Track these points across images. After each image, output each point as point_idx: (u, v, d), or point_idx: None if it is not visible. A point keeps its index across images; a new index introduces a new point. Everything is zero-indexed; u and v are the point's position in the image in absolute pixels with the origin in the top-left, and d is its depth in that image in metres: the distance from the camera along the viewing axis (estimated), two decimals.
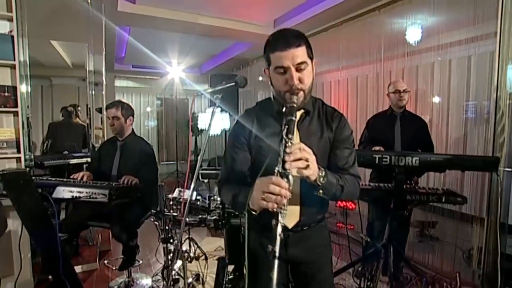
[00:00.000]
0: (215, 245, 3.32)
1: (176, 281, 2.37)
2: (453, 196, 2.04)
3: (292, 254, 1.14)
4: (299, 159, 0.88)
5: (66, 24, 2.49)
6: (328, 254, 1.24)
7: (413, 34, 3.08)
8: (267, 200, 0.87)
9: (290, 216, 1.09)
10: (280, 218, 0.86)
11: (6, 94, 2.30)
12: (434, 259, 2.93)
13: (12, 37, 2.29)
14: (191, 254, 2.09)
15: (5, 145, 2.33)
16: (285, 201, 0.86)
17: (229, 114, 4.56)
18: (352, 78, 4.57)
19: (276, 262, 0.81)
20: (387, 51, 3.13)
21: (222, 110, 4.43)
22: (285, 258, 1.14)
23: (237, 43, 5.01)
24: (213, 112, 1.33)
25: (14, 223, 2.39)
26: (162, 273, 2.53)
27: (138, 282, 2.54)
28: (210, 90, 1.42)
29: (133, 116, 2.35)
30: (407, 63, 3.06)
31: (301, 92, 1.05)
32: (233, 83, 1.28)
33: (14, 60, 2.26)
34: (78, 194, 1.87)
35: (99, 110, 3.06)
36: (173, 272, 2.48)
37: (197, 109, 7.28)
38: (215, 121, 4.27)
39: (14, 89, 2.32)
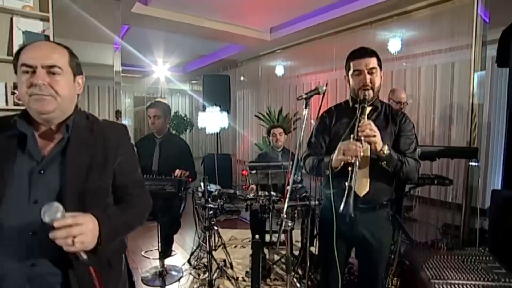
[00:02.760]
0: (227, 235, 3.55)
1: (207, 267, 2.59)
2: (442, 179, 2.56)
3: (358, 232, 1.46)
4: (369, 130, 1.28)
5: (91, 25, 2.52)
6: (388, 236, 1.56)
7: (396, 44, 3.66)
8: (346, 154, 1.27)
9: (361, 185, 1.41)
10: (355, 166, 1.25)
11: None
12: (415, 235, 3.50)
13: (46, 36, 2.30)
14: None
15: None
16: (359, 154, 1.25)
17: (227, 112, 4.83)
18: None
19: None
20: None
21: (221, 110, 4.68)
22: (351, 236, 1.46)
23: (230, 45, 5.23)
24: None
25: None
26: (189, 261, 2.72)
27: (170, 271, 2.69)
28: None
29: (170, 115, 2.50)
30: (396, 67, 3.60)
31: (371, 90, 1.43)
32: (316, 91, 1.48)
33: None
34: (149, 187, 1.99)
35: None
36: (204, 260, 2.70)
37: (180, 108, 7.31)
38: (215, 120, 4.47)
39: None
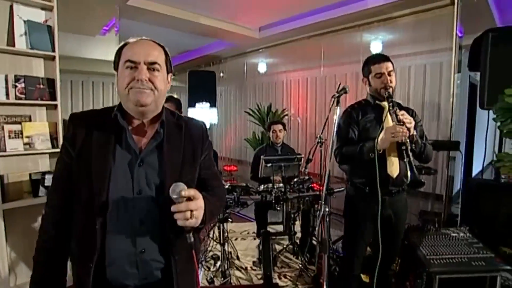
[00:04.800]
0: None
1: (217, 259, 2.67)
2: (429, 169, 2.89)
3: (386, 214, 1.69)
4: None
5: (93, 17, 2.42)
6: (406, 216, 1.84)
7: (377, 46, 3.98)
8: (396, 135, 1.52)
9: (394, 167, 1.65)
10: (407, 143, 1.51)
11: (41, 86, 2.20)
12: None
13: (49, 27, 2.19)
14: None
15: (39, 140, 2.22)
16: (407, 135, 1.50)
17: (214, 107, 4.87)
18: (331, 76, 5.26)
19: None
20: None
21: (211, 106, 4.71)
22: (380, 218, 1.65)
23: (217, 41, 5.23)
24: None
25: None
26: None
27: None
28: None
29: (181, 110, 2.51)
30: None
31: (390, 89, 1.65)
32: (344, 91, 1.64)
33: (54, 51, 2.18)
34: None
35: None
36: (211, 254, 2.77)
37: None
38: (204, 116, 4.50)
39: (49, 81, 2.22)
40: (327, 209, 1.47)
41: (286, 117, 5.08)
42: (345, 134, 1.76)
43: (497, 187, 2.76)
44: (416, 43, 3.59)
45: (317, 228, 1.67)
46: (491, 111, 2.84)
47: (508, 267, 1.89)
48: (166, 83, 0.98)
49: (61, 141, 2.26)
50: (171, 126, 1.00)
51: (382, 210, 1.64)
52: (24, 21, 2.12)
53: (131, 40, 0.96)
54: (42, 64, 2.23)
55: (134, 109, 0.92)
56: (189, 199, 0.85)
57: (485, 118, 3.05)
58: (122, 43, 0.96)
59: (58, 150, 2.28)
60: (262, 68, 5.61)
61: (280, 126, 3.18)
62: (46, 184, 1.86)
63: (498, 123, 1.98)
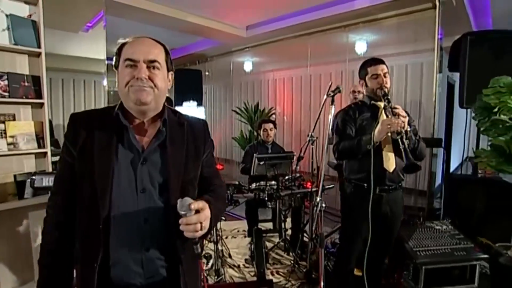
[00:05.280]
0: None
1: (209, 257, 2.68)
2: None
3: (382, 211, 1.76)
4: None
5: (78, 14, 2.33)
6: (401, 212, 1.92)
7: (362, 46, 4.11)
8: (392, 127, 1.59)
9: (389, 161, 1.72)
10: (403, 133, 1.58)
11: (26, 84, 2.11)
12: None
13: (33, 22, 2.10)
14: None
15: (24, 140, 2.13)
16: (403, 126, 1.59)
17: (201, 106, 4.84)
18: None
19: None
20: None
21: (198, 105, 4.68)
22: (377, 214, 1.73)
23: (204, 40, 5.19)
24: None
25: (33, 225, 2.22)
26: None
27: None
28: None
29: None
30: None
31: (386, 89, 1.73)
32: (338, 90, 1.70)
33: (39, 47, 2.09)
34: None
35: None
36: (203, 253, 2.77)
37: None
38: (191, 114, 4.47)
39: (35, 79, 2.13)
40: (323, 205, 1.51)
41: (274, 115, 5.13)
42: (343, 131, 1.83)
43: (474, 182, 2.94)
44: (399, 44, 3.73)
45: (314, 224, 1.71)
46: (469, 110, 3.02)
47: (486, 256, 2.02)
48: (167, 82, 0.98)
49: (48, 140, 2.18)
50: (173, 124, 0.99)
51: (379, 207, 1.71)
52: (7, 15, 2.02)
53: (130, 38, 0.95)
54: (26, 61, 2.14)
55: (135, 108, 0.92)
56: (197, 211, 0.85)
57: (462, 117, 3.23)
58: (121, 42, 0.95)
59: (44, 150, 2.21)
60: (248, 66, 5.63)
61: (271, 125, 3.22)
62: (36, 185, 1.79)
63: (477, 121, 2.11)
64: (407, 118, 1.66)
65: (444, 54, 3.27)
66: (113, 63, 0.97)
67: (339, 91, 1.66)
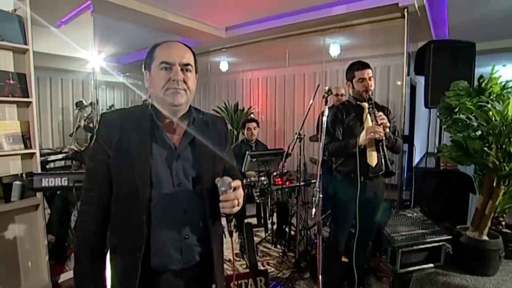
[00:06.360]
0: None
1: None
2: (391, 161, 3.32)
3: (367, 196, 1.96)
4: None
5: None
6: (383, 197, 2.12)
7: (336, 49, 4.40)
8: (375, 134, 1.80)
9: (372, 158, 1.92)
10: (384, 140, 1.81)
11: (11, 82, 2.02)
12: None
13: (19, 17, 2.02)
14: None
15: (10, 140, 2.04)
16: (383, 133, 1.80)
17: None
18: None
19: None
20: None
21: None
22: (361, 200, 1.92)
23: (182, 39, 5.14)
24: None
25: (20, 229, 2.14)
26: None
27: None
28: None
29: None
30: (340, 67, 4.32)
31: (370, 92, 1.93)
32: (331, 92, 1.88)
33: (26, 44, 2.01)
34: None
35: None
36: None
37: (116, 101, 6.72)
38: None
39: (20, 76, 2.05)
40: (320, 195, 1.67)
41: (252, 114, 5.26)
42: (333, 133, 2.02)
43: (438, 173, 3.31)
44: (370, 48, 4.05)
45: (313, 213, 1.85)
46: (432, 110, 3.38)
47: (449, 237, 2.34)
48: (195, 83, 1.06)
49: (36, 141, 2.10)
50: (199, 123, 1.08)
51: (364, 192, 1.90)
52: None
53: (162, 42, 1.01)
54: (11, 58, 2.05)
55: (168, 109, 0.99)
56: (234, 189, 0.96)
57: (424, 116, 3.61)
58: (153, 45, 1.02)
59: (33, 151, 2.13)
60: (226, 66, 5.69)
61: (254, 124, 3.34)
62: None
63: (441, 120, 2.43)
64: (388, 124, 1.87)
65: (409, 59, 3.62)
66: (143, 64, 1.03)
67: (331, 93, 1.83)
